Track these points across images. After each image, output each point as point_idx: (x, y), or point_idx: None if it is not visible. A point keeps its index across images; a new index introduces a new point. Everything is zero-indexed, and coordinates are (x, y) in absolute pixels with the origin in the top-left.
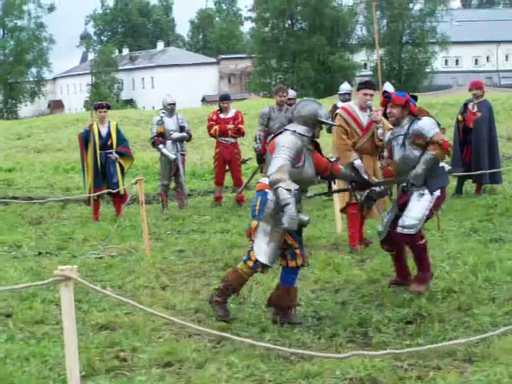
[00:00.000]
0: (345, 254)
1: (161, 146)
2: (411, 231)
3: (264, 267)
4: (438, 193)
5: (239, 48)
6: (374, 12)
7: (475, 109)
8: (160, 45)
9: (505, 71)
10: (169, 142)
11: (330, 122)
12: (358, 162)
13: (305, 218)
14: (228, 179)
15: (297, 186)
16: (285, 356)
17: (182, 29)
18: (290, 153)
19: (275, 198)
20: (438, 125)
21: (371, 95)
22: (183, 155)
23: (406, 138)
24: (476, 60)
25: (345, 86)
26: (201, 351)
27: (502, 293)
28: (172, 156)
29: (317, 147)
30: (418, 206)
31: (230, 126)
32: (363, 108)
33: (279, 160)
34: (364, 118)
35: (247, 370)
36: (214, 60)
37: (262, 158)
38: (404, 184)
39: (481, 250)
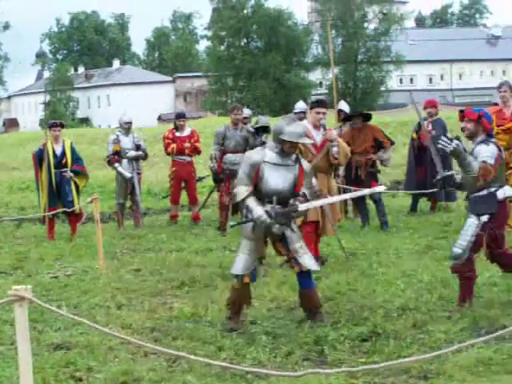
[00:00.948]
0: None
1: (117, 165)
2: (458, 262)
3: (236, 277)
4: (484, 218)
5: (195, 66)
6: (328, 31)
7: (430, 127)
8: (116, 63)
9: (458, 90)
10: (125, 161)
11: (290, 140)
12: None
13: (275, 227)
14: (184, 198)
15: (247, 191)
16: (241, 374)
17: (138, 47)
18: (244, 167)
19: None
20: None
21: (324, 113)
22: (139, 174)
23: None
24: (430, 79)
25: (300, 105)
26: (157, 370)
27: (457, 310)
28: (128, 174)
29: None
30: (465, 233)
31: (187, 144)
32: (317, 126)
33: (238, 175)
34: (318, 137)
35: None
36: (169, 78)
37: (219, 178)
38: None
39: (436, 268)
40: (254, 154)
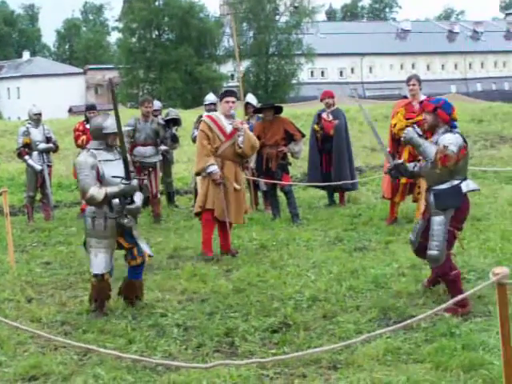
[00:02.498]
0: (211, 264)
1: (27, 157)
2: (437, 264)
3: (96, 276)
4: (451, 213)
5: (106, 58)
6: (233, 25)
7: (330, 117)
8: (26, 54)
9: (369, 83)
10: (35, 153)
11: (113, 131)
12: (212, 168)
13: (125, 220)
14: None
15: (101, 189)
16: (151, 367)
17: (49, 38)
18: (85, 172)
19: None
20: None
21: (233, 102)
22: (49, 166)
23: None
24: (341, 72)
25: (210, 97)
26: (67, 364)
27: (366, 300)
28: (38, 167)
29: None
30: (436, 233)
31: None
32: (227, 116)
33: (80, 183)
34: (228, 126)
35: (113, 382)
36: (80, 70)
37: None
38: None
39: (345, 259)
40: (87, 158)
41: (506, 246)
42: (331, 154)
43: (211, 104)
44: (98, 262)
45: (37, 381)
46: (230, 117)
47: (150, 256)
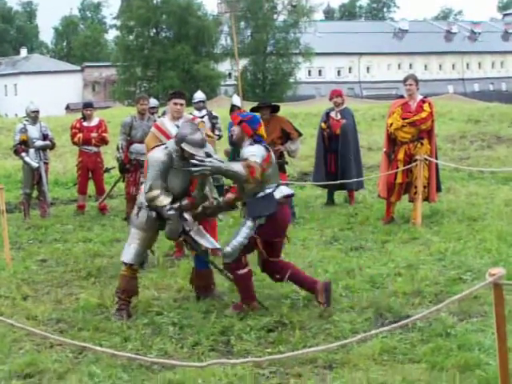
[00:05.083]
0: None
1: (23, 154)
2: (227, 260)
3: (126, 265)
4: (261, 221)
5: (103, 56)
6: (232, 25)
7: (339, 116)
8: (23, 51)
9: (366, 82)
10: (32, 150)
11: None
12: None
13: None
14: (91, 188)
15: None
16: (147, 365)
17: (46, 36)
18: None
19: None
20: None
21: (181, 104)
22: (46, 163)
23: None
24: (339, 71)
25: (198, 95)
26: (62, 362)
27: (362, 300)
28: (35, 164)
29: None
30: (239, 233)
31: (94, 134)
32: (175, 118)
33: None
34: (173, 129)
35: (109, 380)
36: (78, 68)
37: (125, 168)
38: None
39: (341, 259)
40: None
41: (502, 246)
42: (337, 154)
43: (200, 102)
44: (129, 251)
45: (32, 378)
46: (177, 119)
47: (217, 249)
